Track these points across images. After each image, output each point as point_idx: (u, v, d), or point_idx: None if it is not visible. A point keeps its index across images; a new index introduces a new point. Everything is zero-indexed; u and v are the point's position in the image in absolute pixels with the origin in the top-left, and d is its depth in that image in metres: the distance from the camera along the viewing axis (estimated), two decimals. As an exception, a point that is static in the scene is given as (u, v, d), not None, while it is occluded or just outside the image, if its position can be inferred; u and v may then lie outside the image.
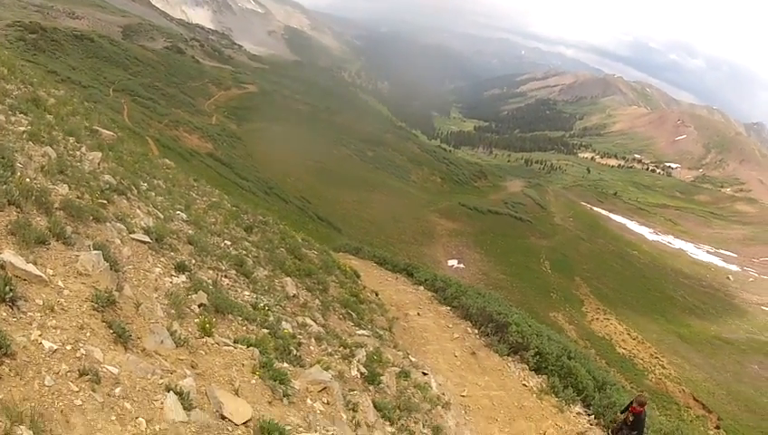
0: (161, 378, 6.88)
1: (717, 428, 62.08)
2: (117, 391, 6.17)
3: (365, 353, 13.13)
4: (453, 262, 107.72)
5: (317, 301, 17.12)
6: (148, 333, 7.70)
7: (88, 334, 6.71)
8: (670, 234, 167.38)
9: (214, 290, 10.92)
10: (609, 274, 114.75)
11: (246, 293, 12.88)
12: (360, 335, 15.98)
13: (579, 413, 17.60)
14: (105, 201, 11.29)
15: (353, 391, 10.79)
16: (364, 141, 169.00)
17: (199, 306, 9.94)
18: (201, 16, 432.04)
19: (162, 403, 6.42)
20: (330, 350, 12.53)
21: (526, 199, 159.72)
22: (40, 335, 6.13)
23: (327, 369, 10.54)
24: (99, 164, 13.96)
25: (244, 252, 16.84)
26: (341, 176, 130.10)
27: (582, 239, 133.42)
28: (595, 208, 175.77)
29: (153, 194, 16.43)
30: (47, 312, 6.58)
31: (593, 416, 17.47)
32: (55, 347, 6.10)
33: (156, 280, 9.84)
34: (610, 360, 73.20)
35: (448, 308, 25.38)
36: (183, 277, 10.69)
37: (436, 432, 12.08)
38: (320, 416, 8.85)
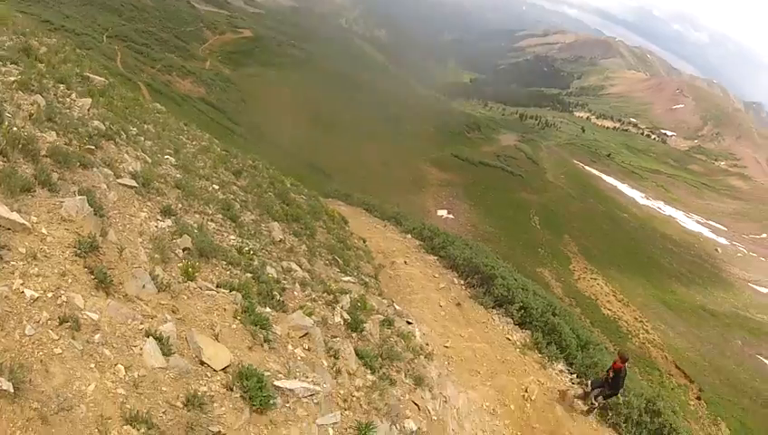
0: (141, 323, 6.88)
1: (698, 398, 62.51)
2: (96, 337, 6.16)
3: (349, 300, 13.10)
4: (442, 212, 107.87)
5: (303, 246, 17.10)
6: (130, 277, 7.65)
7: (69, 281, 6.68)
8: (661, 200, 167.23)
9: (199, 234, 10.84)
10: (599, 234, 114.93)
11: (232, 237, 12.82)
12: (345, 282, 15.97)
13: (561, 371, 17.77)
14: (93, 147, 11.17)
15: (335, 337, 10.81)
16: (358, 88, 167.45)
17: (183, 250, 9.89)
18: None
19: (141, 349, 6.43)
20: (314, 295, 12.49)
21: (519, 154, 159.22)
22: (22, 284, 6.11)
23: (310, 315, 10.53)
24: (88, 110, 13.80)
25: (232, 196, 16.76)
26: (334, 122, 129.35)
27: (573, 198, 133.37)
28: (587, 168, 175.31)
29: (142, 139, 16.27)
30: (29, 260, 6.54)
31: (575, 375, 17.62)
32: (37, 295, 6.08)
33: (141, 225, 9.77)
34: (595, 320, 73.54)
35: (435, 258, 25.46)
36: (168, 222, 10.62)
37: (417, 382, 12.11)
38: (300, 362, 8.88)
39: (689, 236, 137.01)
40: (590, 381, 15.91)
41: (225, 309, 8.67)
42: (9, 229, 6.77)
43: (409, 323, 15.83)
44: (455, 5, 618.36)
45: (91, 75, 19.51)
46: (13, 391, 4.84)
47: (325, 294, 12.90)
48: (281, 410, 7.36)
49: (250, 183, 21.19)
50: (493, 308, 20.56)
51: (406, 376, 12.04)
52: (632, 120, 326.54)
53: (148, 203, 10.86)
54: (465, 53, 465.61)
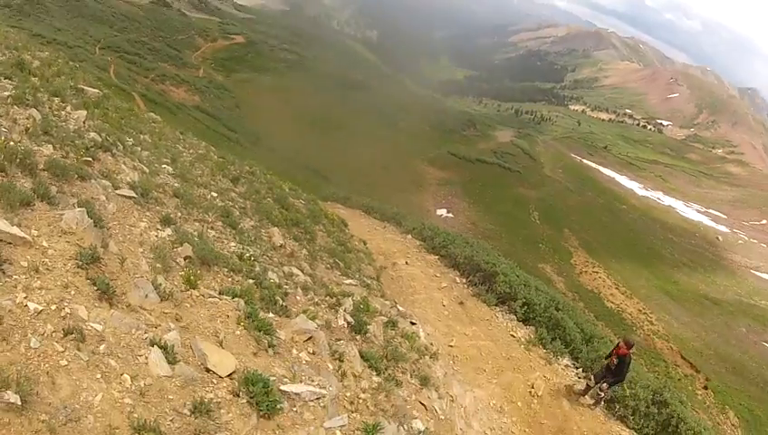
0: (145, 333, 6.90)
1: (705, 388, 62.25)
2: (101, 348, 6.19)
3: (352, 303, 13.11)
4: (442, 211, 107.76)
5: (304, 250, 17.11)
6: (132, 287, 7.68)
7: (72, 293, 6.71)
8: (660, 190, 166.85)
9: (199, 242, 10.86)
10: (598, 227, 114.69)
11: (233, 244, 12.84)
12: (347, 285, 15.98)
13: (567, 366, 17.77)
14: (90, 159, 11.23)
15: (340, 340, 10.80)
16: (352, 90, 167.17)
17: (185, 259, 9.91)
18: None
19: (146, 358, 6.45)
20: (316, 299, 12.51)
21: (515, 150, 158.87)
22: (25, 298, 6.14)
23: (313, 319, 10.54)
24: (84, 122, 13.83)
25: (231, 203, 16.78)
26: (330, 125, 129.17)
27: (572, 191, 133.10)
28: (585, 161, 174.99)
29: (139, 149, 16.28)
30: (32, 273, 6.58)
31: (581, 369, 17.61)
32: (40, 308, 6.12)
33: (141, 234, 9.79)
34: (598, 313, 73.13)
35: (436, 257, 25.49)
36: (168, 230, 10.64)
37: (423, 382, 12.11)
38: (305, 366, 8.88)
39: (690, 225, 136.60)
40: (593, 376, 15.88)
41: (228, 316, 8.69)
42: (10, 243, 6.80)
43: (413, 323, 15.83)
44: (445, 2, 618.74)
45: (85, 87, 19.54)
46: (20, 403, 4.87)
47: (328, 298, 12.92)
48: (288, 414, 7.36)
49: (248, 189, 21.21)
50: (496, 305, 20.57)
51: (411, 377, 12.04)
52: (627, 111, 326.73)
53: (148, 213, 10.88)
54: (458, 49, 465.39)
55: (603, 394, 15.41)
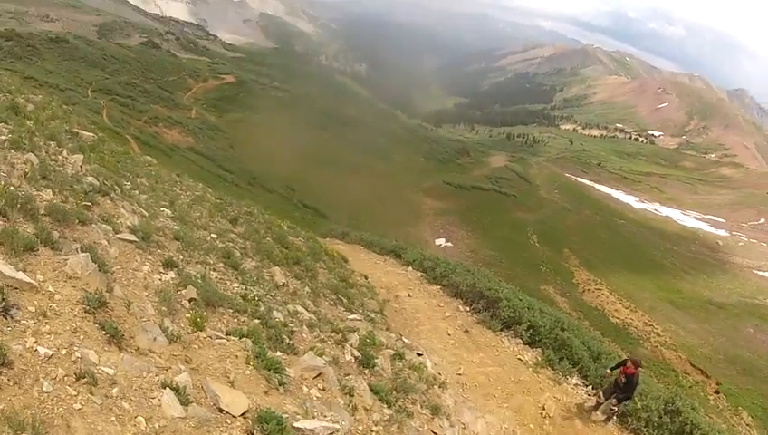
0: (157, 375, 6.92)
1: (717, 392, 62.14)
2: (114, 391, 6.21)
3: (358, 337, 13.12)
4: (440, 241, 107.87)
5: (307, 288, 17.11)
6: (140, 331, 7.71)
7: (82, 337, 6.75)
8: (656, 201, 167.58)
9: (203, 284, 10.88)
10: (598, 244, 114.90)
11: (236, 284, 12.85)
12: (351, 320, 15.95)
13: (576, 385, 17.71)
14: (89, 203, 11.30)
15: (348, 375, 10.82)
16: (345, 125, 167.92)
17: (190, 301, 9.93)
18: (175, 9, 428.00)
19: (160, 400, 6.47)
20: (322, 336, 12.51)
21: (510, 174, 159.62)
22: (35, 342, 6.17)
23: (321, 355, 10.57)
24: (81, 166, 13.88)
25: (231, 244, 16.82)
26: (324, 161, 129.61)
27: (569, 211, 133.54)
28: (580, 179, 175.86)
29: (137, 192, 16.38)
30: (40, 318, 6.61)
31: (591, 387, 17.56)
32: (51, 353, 6.14)
33: (145, 278, 9.84)
34: (604, 330, 73.13)
35: (438, 287, 25.43)
36: (171, 273, 10.68)
37: (434, 411, 12.10)
38: (316, 402, 8.92)
39: (689, 232, 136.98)
40: (601, 392, 15.85)
41: (236, 356, 8.71)
42: (17, 289, 6.84)
43: (420, 354, 15.83)
44: (432, 31, 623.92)
45: (79, 131, 19.68)
46: (36, 447, 4.88)
47: (333, 334, 12.92)
48: (303, 450, 7.38)
49: (247, 229, 21.27)
50: (501, 331, 20.52)
51: (422, 407, 12.04)
52: (618, 125, 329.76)
53: (150, 256, 10.94)
54: (447, 77, 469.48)
55: (615, 409, 15.38)
